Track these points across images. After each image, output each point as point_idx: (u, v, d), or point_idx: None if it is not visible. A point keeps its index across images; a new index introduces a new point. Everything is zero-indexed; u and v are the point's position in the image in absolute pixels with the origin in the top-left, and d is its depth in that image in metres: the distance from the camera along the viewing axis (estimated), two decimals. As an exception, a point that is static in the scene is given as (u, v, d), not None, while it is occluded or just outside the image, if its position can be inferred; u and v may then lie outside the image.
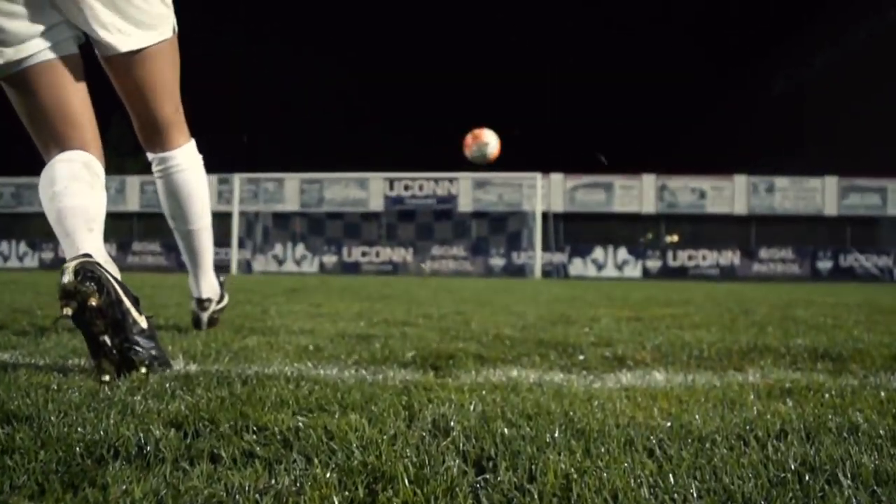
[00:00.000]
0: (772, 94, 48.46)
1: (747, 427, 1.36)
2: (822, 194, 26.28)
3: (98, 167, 2.33)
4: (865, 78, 36.85)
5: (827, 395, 1.70)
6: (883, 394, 1.71)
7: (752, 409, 1.55)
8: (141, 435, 1.28)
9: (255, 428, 1.35)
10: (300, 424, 1.36)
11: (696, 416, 1.45)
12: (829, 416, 1.45)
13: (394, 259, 26.49)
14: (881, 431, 1.32)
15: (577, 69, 55.60)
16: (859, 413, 1.49)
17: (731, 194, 26.46)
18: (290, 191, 27.54)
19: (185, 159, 2.81)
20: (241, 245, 25.08)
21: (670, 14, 57.32)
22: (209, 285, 3.10)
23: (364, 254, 26.66)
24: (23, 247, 27.84)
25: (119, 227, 27.68)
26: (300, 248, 26.71)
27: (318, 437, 1.28)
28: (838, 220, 26.21)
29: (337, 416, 1.44)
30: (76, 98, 2.36)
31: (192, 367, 2.13)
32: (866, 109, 35.91)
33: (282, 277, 17.25)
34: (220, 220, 26.66)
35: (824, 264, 25.49)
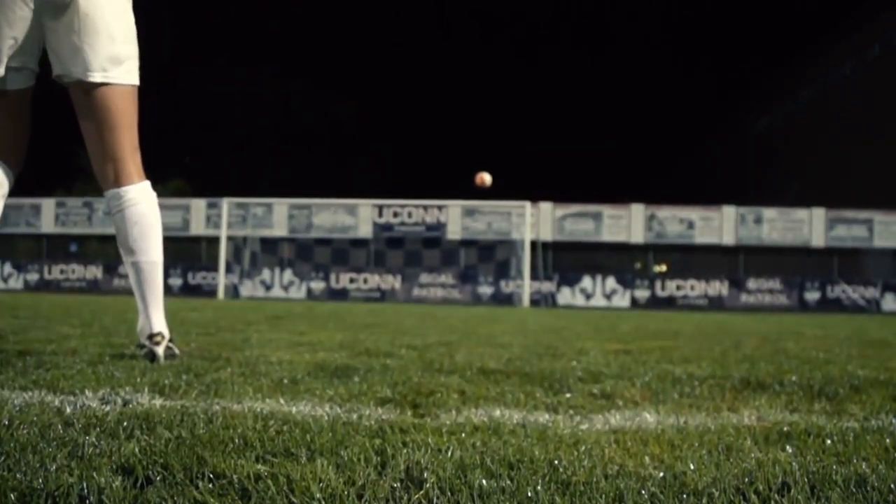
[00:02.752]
0: (760, 127, 48.90)
1: (746, 479, 1.26)
2: (810, 225, 26.35)
3: (7, 183, 2.87)
4: (852, 112, 37.23)
5: (828, 441, 1.60)
6: (888, 440, 1.61)
7: (750, 456, 1.45)
8: (85, 483, 1.17)
9: (211, 475, 1.24)
10: (261, 472, 1.25)
11: (691, 465, 1.35)
12: (834, 467, 1.34)
13: (382, 286, 26.31)
14: (892, 485, 1.22)
15: (567, 100, 56.01)
16: (865, 462, 1.39)
17: (720, 225, 26.50)
18: (279, 216, 27.40)
19: (141, 194, 3.05)
20: (229, 270, 24.88)
21: (661, 46, 57.92)
22: (162, 321, 3.12)
23: (352, 280, 26.47)
24: (7, 268, 27.52)
25: (106, 250, 27.44)
26: (288, 274, 26.50)
27: (278, 487, 1.16)
28: (825, 251, 26.26)
29: (303, 462, 1.33)
30: (25, 122, 2.91)
31: (157, 402, 2.01)
32: (853, 142, 36.24)
33: (268, 303, 17.07)
34: (209, 245, 26.72)
35: (812, 295, 25.49)
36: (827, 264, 26.16)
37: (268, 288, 26.15)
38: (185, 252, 27.76)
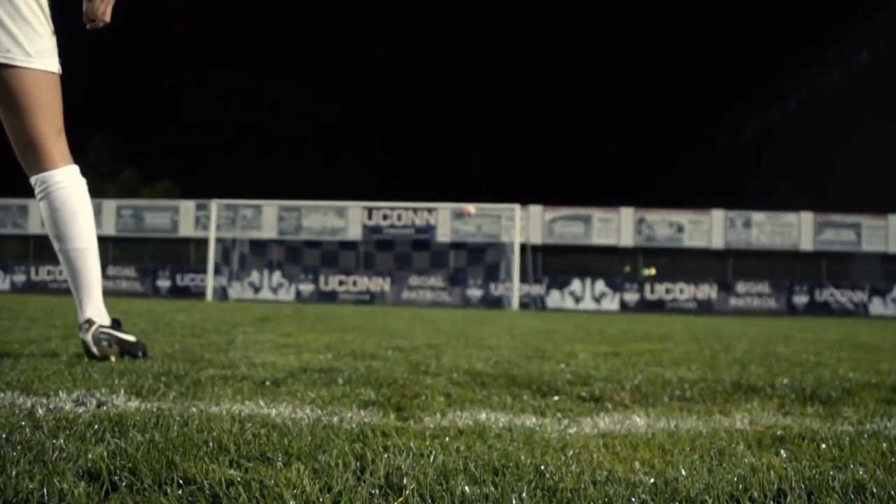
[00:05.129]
0: (749, 132, 49.07)
1: (740, 485, 1.21)
2: (799, 229, 26.45)
3: None
4: (841, 117, 37.39)
5: (823, 445, 1.55)
6: (884, 444, 1.56)
7: (744, 461, 1.40)
8: (46, 489, 1.11)
9: (181, 480, 1.18)
10: (234, 477, 1.19)
11: (682, 471, 1.30)
12: (830, 472, 1.29)
13: (371, 288, 26.23)
14: (891, 491, 1.17)
15: (558, 103, 56.08)
16: (862, 468, 1.34)
17: (709, 228, 26.56)
18: (268, 218, 27.30)
19: (66, 178, 2.90)
20: (218, 271, 24.73)
21: (651, 52, 58.12)
22: (95, 308, 2.98)
23: (341, 282, 26.38)
24: (-7, 269, 27.31)
25: (93, 251, 27.21)
26: (277, 276, 26.38)
27: (250, 494, 1.10)
28: (814, 255, 26.37)
29: (279, 467, 1.27)
30: None
31: (133, 404, 1.94)
32: (842, 147, 36.41)
33: (257, 305, 16.96)
34: (197, 246, 26.56)
35: (800, 299, 25.58)
36: (815, 268, 26.28)
37: (256, 290, 26.03)
38: (173, 254, 27.64)
